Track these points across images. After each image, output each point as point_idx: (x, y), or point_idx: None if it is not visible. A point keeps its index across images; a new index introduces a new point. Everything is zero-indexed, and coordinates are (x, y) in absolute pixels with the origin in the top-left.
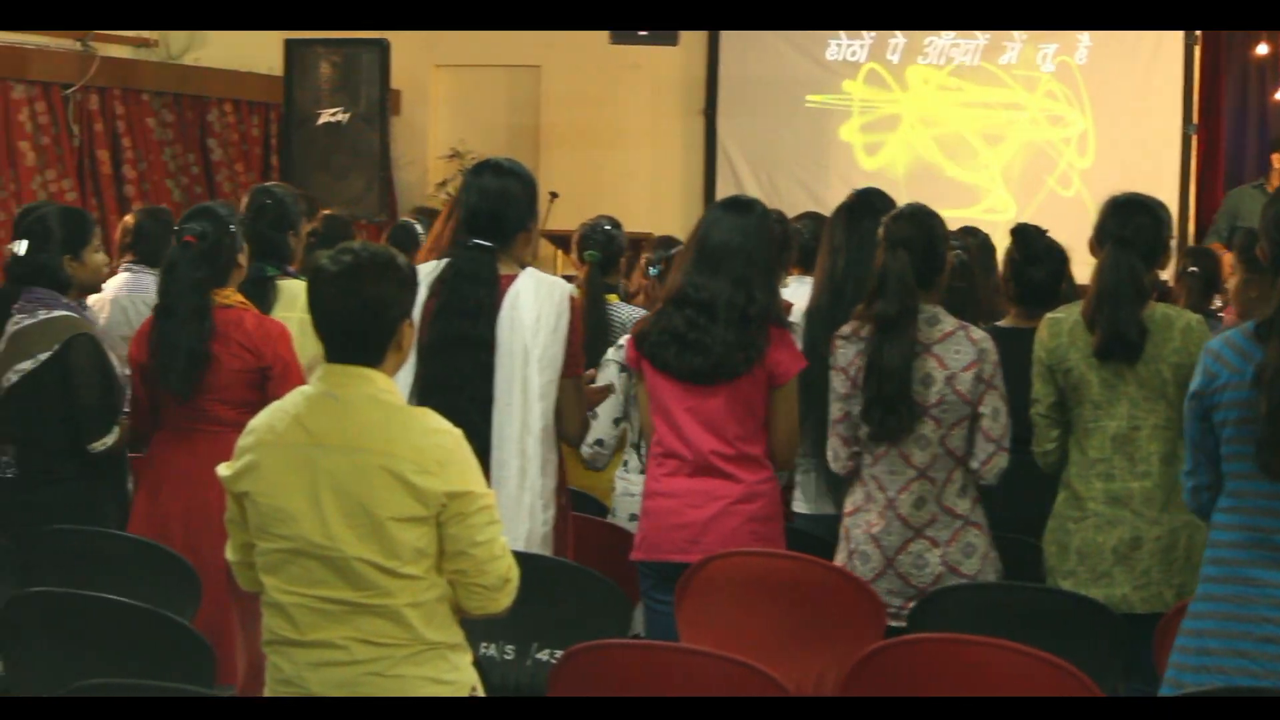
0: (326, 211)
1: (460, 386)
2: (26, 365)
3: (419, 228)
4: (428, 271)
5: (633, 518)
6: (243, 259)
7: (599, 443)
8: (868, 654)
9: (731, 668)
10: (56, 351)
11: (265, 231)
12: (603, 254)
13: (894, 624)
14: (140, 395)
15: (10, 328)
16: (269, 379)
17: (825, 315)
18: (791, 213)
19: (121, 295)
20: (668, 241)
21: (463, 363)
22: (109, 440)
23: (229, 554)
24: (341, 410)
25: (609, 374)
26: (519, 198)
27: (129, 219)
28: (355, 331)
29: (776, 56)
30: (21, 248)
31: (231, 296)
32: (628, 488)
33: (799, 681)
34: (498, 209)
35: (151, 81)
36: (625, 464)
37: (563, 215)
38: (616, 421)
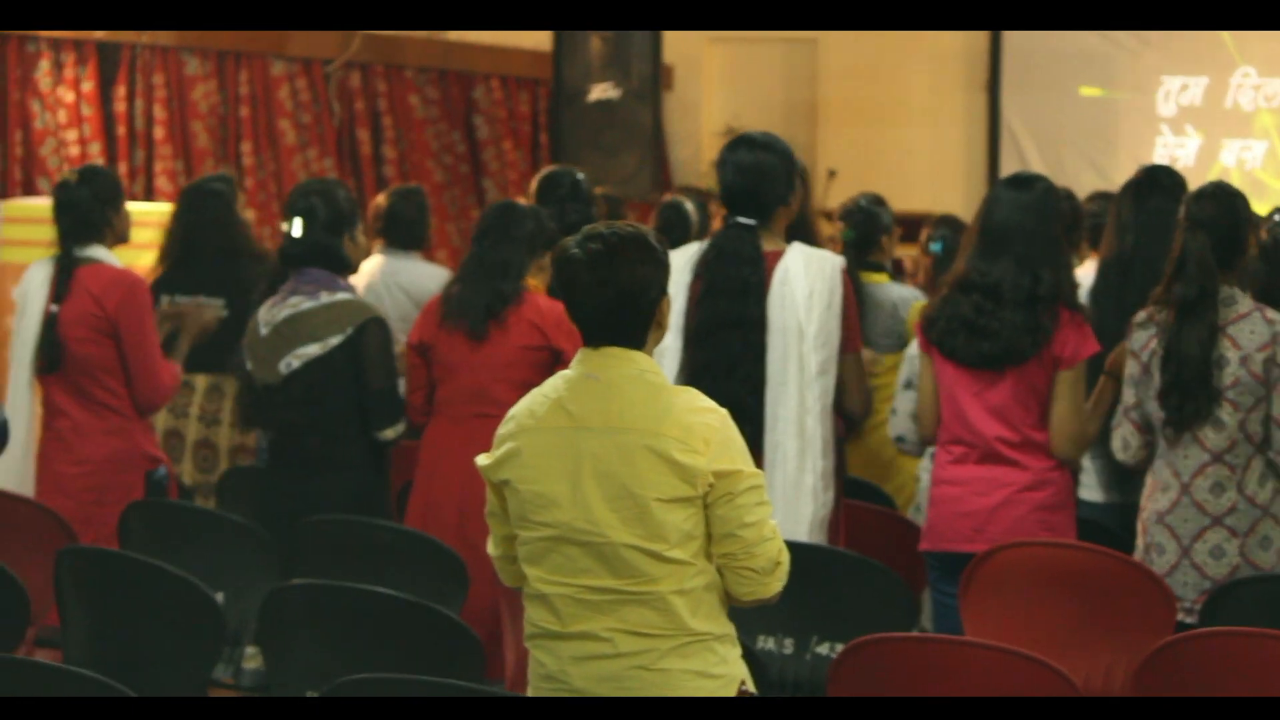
0: (600, 191)
1: (731, 369)
2: (313, 350)
3: (689, 205)
4: (690, 254)
5: (918, 509)
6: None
7: (900, 439)
8: (1159, 649)
9: (1018, 662)
10: (349, 336)
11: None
12: (857, 232)
13: (1185, 619)
14: (419, 378)
15: (281, 310)
16: (559, 364)
17: (1114, 296)
18: (1081, 193)
19: (376, 280)
20: (948, 220)
21: (733, 345)
22: (400, 428)
23: (491, 549)
24: (604, 391)
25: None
26: (775, 172)
27: (380, 200)
28: (614, 318)
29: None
30: (297, 227)
31: (529, 280)
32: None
33: (1087, 676)
34: (754, 185)
35: (415, 58)
36: (930, 454)
37: (841, 193)
38: (914, 416)
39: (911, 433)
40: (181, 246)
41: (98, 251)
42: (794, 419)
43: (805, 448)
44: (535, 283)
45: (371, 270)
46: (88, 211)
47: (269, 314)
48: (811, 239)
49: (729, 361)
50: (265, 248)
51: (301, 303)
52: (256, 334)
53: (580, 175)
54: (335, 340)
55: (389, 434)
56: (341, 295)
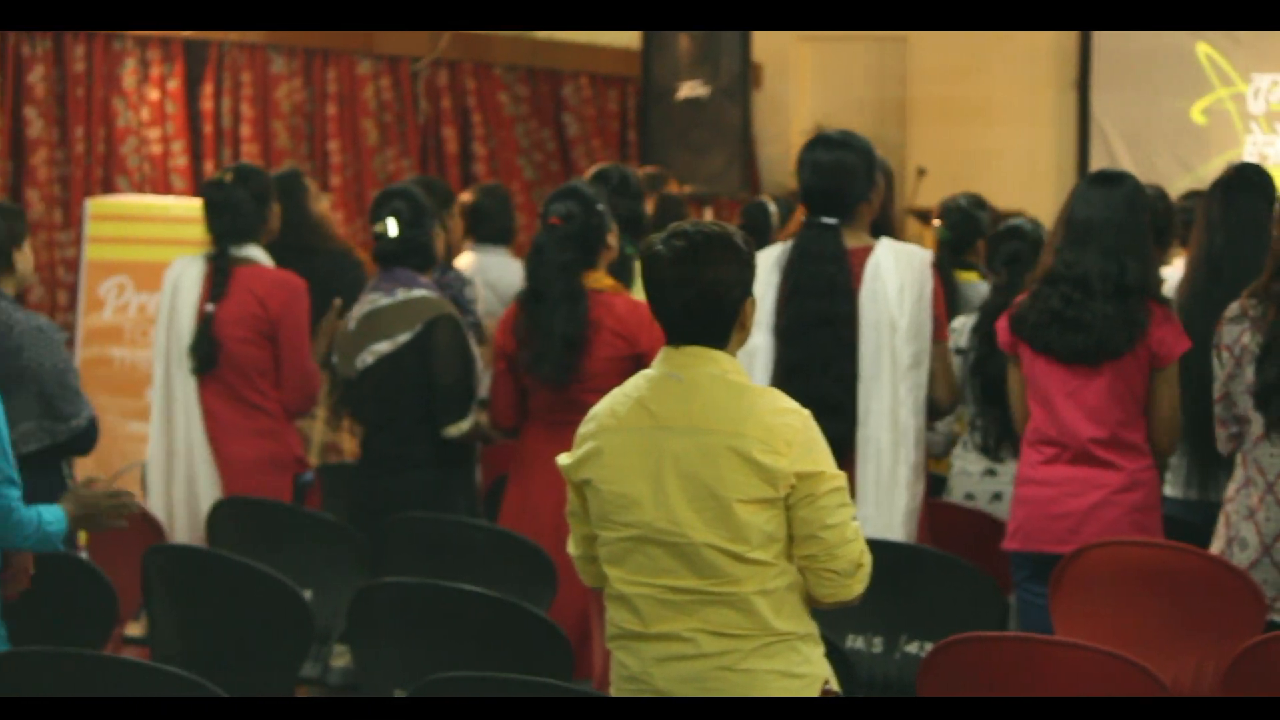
0: (688, 189)
1: (825, 367)
2: (384, 347)
3: (773, 207)
4: (774, 255)
5: (968, 496)
6: (612, 239)
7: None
8: (1249, 648)
9: (1108, 662)
10: (418, 333)
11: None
12: (954, 232)
13: (1273, 617)
14: (506, 384)
15: (363, 308)
16: (645, 365)
17: (1202, 294)
18: (1173, 192)
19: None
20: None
21: (824, 342)
22: (464, 425)
23: (571, 548)
24: (686, 391)
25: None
26: (855, 170)
27: (465, 197)
28: (696, 316)
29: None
30: (392, 227)
31: (602, 280)
32: (964, 466)
33: (1176, 676)
34: (833, 184)
35: (504, 56)
36: (963, 443)
37: (931, 192)
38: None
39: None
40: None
41: (253, 251)
42: (888, 412)
43: (899, 440)
44: (609, 281)
45: (464, 266)
46: (245, 212)
47: (356, 310)
48: (893, 236)
49: (822, 359)
50: (345, 244)
51: (379, 299)
52: (345, 329)
53: (629, 171)
54: (405, 337)
55: (453, 431)
56: (417, 292)
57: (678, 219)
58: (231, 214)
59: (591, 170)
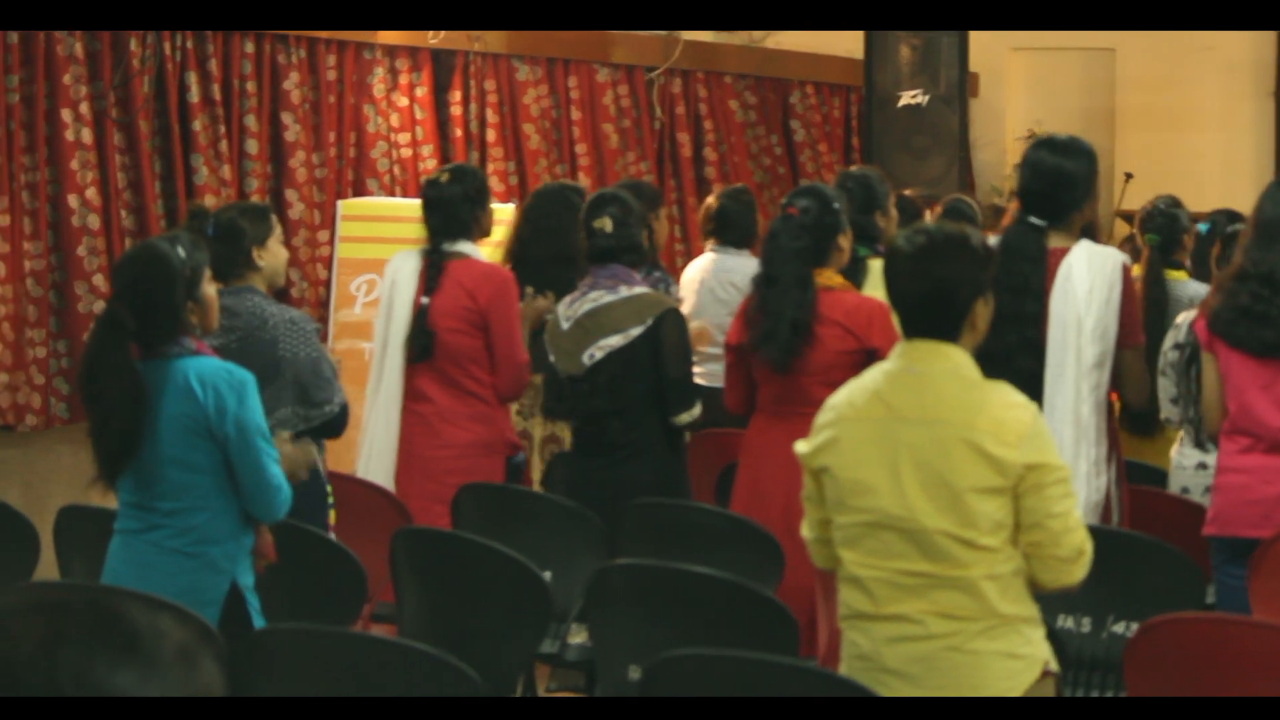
0: (905, 192)
1: (1006, 361)
2: (615, 340)
3: (972, 203)
4: None
5: (1184, 490)
6: (844, 241)
7: (1167, 421)
8: None
9: None
10: (649, 326)
11: (851, 216)
12: (1161, 235)
13: None
14: (737, 375)
15: (582, 305)
16: (876, 360)
17: None
18: None
19: (709, 277)
20: (1228, 214)
21: (1009, 338)
22: (696, 412)
23: (805, 531)
24: (921, 384)
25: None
26: (1074, 179)
27: (711, 201)
28: (928, 310)
29: None
30: (609, 225)
31: (833, 278)
32: (1180, 461)
33: None
34: (1050, 189)
35: (734, 64)
36: (1181, 438)
37: (1137, 196)
38: (1173, 400)
39: (1176, 414)
40: (521, 246)
41: (465, 246)
42: (1070, 408)
43: (1080, 436)
44: (839, 279)
45: (704, 267)
46: (458, 209)
47: (568, 310)
48: (1094, 239)
49: (1005, 354)
50: None
51: (602, 297)
52: (557, 329)
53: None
54: (636, 331)
55: (684, 418)
56: (638, 289)
57: (915, 220)
58: (445, 211)
59: (835, 180)
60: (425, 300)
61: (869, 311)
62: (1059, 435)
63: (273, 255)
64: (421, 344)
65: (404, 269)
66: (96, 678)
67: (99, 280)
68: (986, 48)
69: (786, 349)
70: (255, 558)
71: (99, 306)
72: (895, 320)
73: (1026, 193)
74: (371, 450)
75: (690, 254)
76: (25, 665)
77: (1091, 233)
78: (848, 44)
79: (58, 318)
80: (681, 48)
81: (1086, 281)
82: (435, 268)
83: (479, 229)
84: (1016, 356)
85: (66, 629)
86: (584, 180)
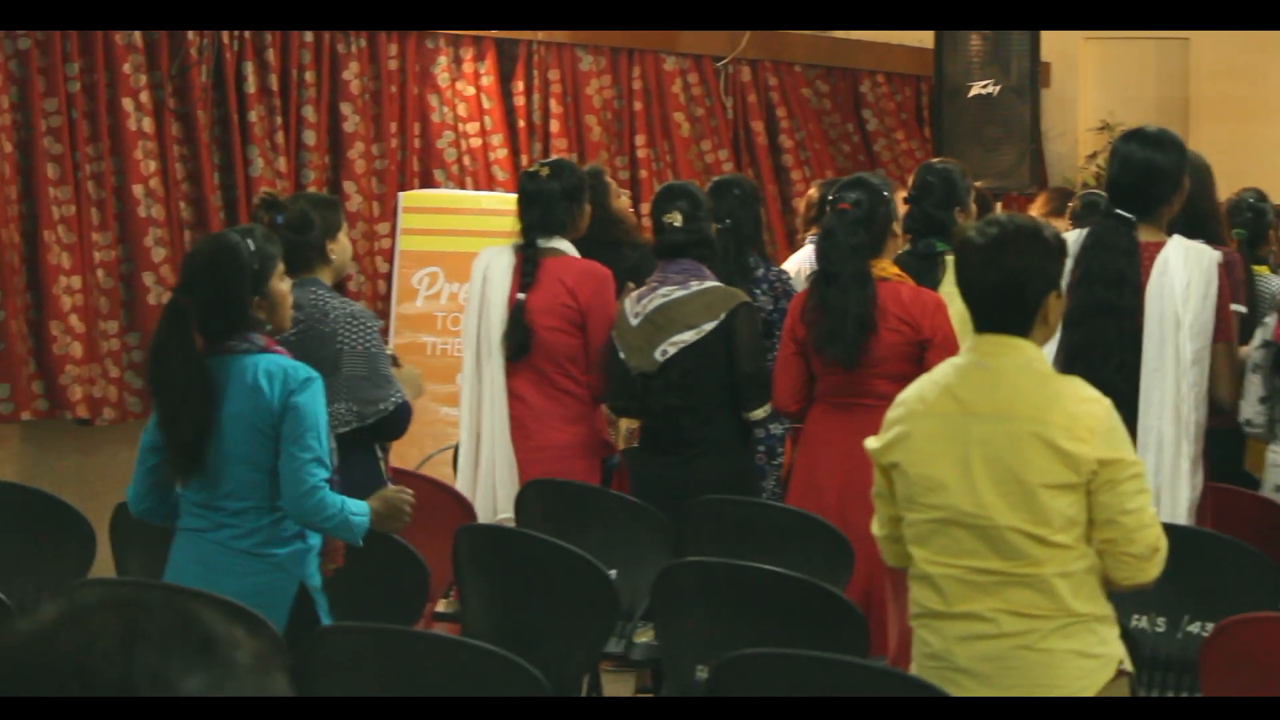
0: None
1: (1107, 355)
2: (688, 336)
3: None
4: (1072, 241)
5: (1277, 489)
6: (897, 228)
7: (1247, 423)
8: None
9: None
10: (722, 321)
11: (930, 210)
12: (1249, 230)
13: None
14: (793, 368)
15: (653, 300)
16: (927, 350)
17: None
18: None
19: (805, 267)
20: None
21: (1107, 331)
22: (768, 408)
23: (875, 528)
24: (993, 379)
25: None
26: (1164, 173)
27: (812, 192)
28: (999, 303)
29: None
30: (678, 219)
31: (888, 269)
32: (1274, 459)
33: None
34: (1138, 183)
35: (802, 54)
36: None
37: None
38: (1262, 400)
39: (1259, 415)
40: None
41: (560, 243)
42: (1171, 404)
43: (1181, 433)
44: (894, 269)
45: (801, 259)
46: (555, 204)
47: (637, 305)
48: (1215, 233)
49: (1105, 348)
50: (648, 239)
51: (673, 292)
52: (626, 324)
53: (943, 167)
54: (709, 326)
55: (759, 414)
56: (710, 283)
57: (986, 213)
58: (543, 207)
59: (915, 172)
60: (521, 297)
61: (924, 304)
62: (1159, 432)
63: (342, 248)
64: (518, 341)
65: (495, 265)
66: (171, 678)
67: (166, 271)
68: (1058, 38)
69: (854, 346)
70: (323, 560)
71: (167, 298)
72: (954, 314)
73: (1116, 186)
74: (493, 455)
75: (773, 240)
76: (102, 661)
77: (1212, 223)
78: (917, 34)
79: (128, 310)
80: (749, 37)
81: (1184, 277)
82: (531, 264)
83: (574, 227)
84: (1116, 350)
85: (145, 627)
86: (642, 173)
